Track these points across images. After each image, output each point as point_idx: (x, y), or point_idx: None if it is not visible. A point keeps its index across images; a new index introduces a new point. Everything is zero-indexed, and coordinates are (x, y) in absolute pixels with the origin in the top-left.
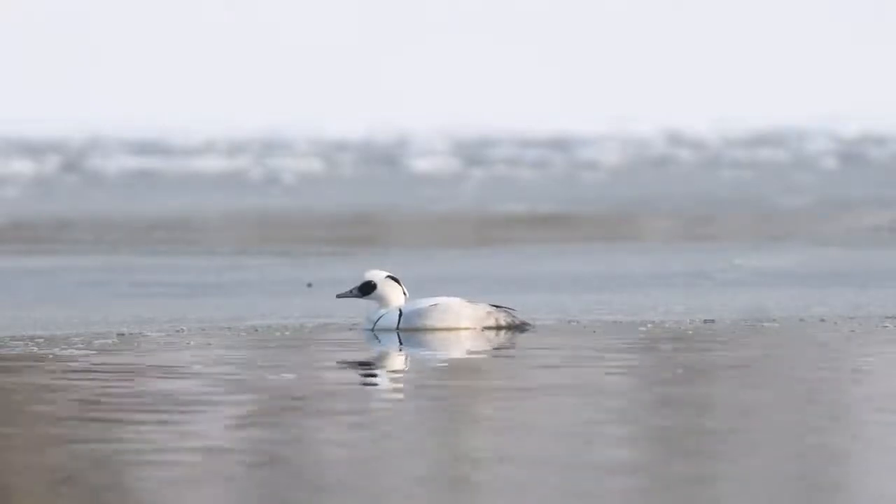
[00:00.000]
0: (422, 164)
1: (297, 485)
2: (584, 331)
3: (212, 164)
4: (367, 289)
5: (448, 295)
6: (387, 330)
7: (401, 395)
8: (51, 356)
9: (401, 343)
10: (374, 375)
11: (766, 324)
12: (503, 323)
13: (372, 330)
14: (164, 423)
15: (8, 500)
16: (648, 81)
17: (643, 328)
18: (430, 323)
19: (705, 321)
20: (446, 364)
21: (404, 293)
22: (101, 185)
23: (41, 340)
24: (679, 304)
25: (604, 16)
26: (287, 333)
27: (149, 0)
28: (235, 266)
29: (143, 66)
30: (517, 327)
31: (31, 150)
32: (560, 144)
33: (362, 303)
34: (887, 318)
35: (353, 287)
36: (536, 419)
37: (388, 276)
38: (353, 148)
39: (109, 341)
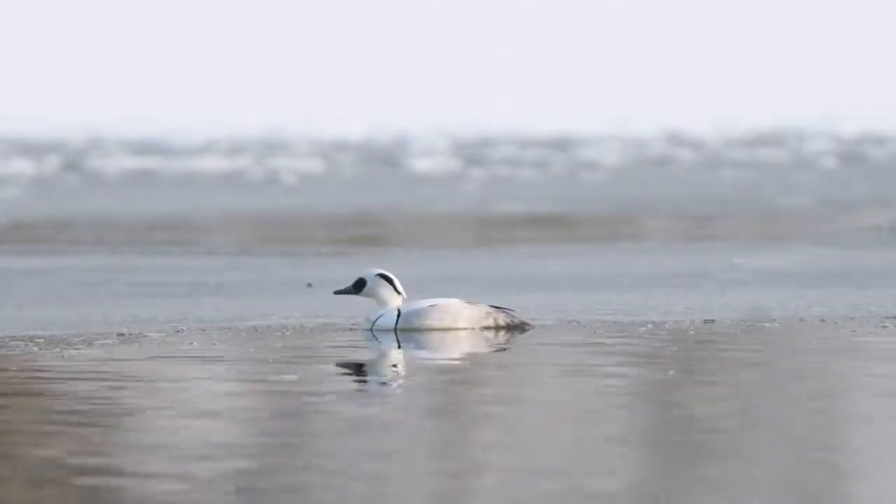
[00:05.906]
0: (422, 164)
1: (296, 486)
2: (584, 331)
3: (212, 164)
4: (359, 285)
5: (448, 295)
6: (385, 330)
7: (398, 397)
8: (51, 356)
9: (399, 343)
10: (371, 376)
11: (766, 324)
12: (502, 323)
13: (370, 330)
14: (164, 423)
15: (7, 500)
16: (648, 81)
17: (643, 328)
18: (428, 323)
19: (705, 321)
20: (444, 365)
21: (398, 291)
22: (101, 185)
23: (41, 340)
24: (679, 304)
25: (603, 16)
26: (287, 333)
27: (148, 1)
28: (235, 266)
29: (143, 67)
30: (517, 327)
31: (31, 150)
32: (560, 144)
33: (362, 303)
34: (887, 318)
35: (349, 284)
36: (535, 420)
37: (379, 274)
38: (353, 148)
39: (109, 341)
